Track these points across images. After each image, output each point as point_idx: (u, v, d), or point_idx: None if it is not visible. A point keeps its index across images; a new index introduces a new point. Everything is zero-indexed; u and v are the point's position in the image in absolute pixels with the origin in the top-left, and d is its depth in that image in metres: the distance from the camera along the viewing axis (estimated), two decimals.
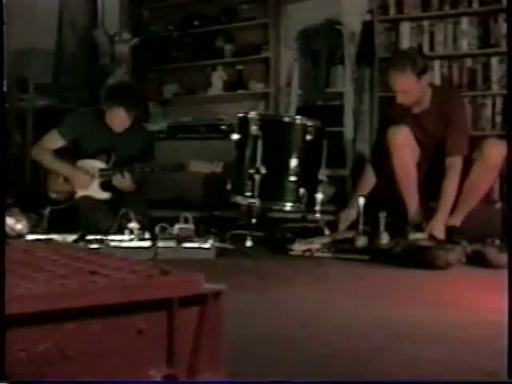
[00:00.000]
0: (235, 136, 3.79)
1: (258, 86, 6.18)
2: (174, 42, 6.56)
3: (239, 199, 3.74)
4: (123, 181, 4.02)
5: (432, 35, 5.27)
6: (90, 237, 3.34)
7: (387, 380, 1.35)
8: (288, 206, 3.73)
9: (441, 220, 3.65)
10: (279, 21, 6.11)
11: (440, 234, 3.58)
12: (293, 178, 3.68)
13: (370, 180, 4.05)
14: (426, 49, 5.19)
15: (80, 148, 4.14)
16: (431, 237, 3.51)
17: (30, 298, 0.91)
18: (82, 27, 6.34)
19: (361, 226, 3.69)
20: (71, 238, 3.32)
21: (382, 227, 3.61)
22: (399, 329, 1.84)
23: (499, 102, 5.05)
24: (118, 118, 4.08)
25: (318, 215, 3.79)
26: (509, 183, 3.70)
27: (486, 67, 5.11)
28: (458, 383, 1.34)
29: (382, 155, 3.90)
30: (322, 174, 3.80)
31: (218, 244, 3.47)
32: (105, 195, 4.08)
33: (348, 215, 3.91)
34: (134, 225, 3.42)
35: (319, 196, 3.77)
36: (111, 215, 3.73)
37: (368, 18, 5.51)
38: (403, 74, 3.73)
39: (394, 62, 3.89)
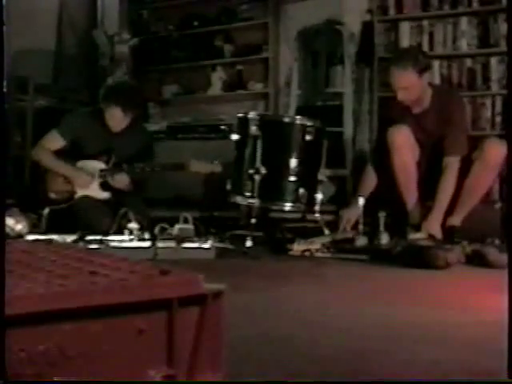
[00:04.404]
0: (235, 136, 3.79)
1: (257, 86, 6.18)
2: (174, 42, 6.57)
3: (239, 199, 3.74)
4: (121, 181, 4.03)
5: (431, 35, 5.27)
6: (89, 237, 3.34)
7: (387, 380, 1.35)
8: (288, 206, 3.73)
9: (436, 219, 3.65)
10: (279, 21, 6.11)
11: (436, 232, 3.58)
12: (292, 178, 3.68)
13: (371, 180, 4.05)
14: (425, 49, 5.18)
15: (80, 148, 4.15)
16: (431, 237, 3.51)
17: (29, 298, 0.91)
18: (82, 27, 6.35)
19: (361, 226, 3.69)
20: (71, 238, 3.32)
21: (381, 227, 3.61)
22: (399, 329, 1.84)
23: (499, 101, 5.06)
24: (115, 118, 4.09)
25: (317, 215, 3.79)
26: (508, 183, 3.70)
27: (486, 67, 5.11)
28: (458, 383, 1.34)
29: (382, 155, 3.90)
30: (322, 174, 3.80)
31: (217, 244, 3.47)
32: (104, 195, 4.08)
33: (350, 214, 3.91)
34: (133, 225, 3.42)
35: (319, 196, 3.77)
36: (111, 215, 3.74)
37: (368, 17, 5.51)
38: (404, 70, 3.74)
39: (396, 59, 3.90)
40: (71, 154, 4.14)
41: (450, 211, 3.72)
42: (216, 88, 6.35)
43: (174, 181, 4.82)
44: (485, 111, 5.10)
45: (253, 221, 3.65)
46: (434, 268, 3.03)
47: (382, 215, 3.63)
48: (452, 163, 3.73)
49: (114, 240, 3.35)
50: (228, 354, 1.11)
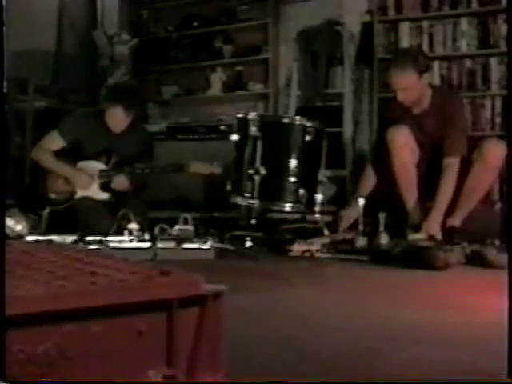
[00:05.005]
0: (234, 137, 3.79)
1: (257, 87, 6.19)
2: (174, 43, 6.57)
3: (239, 200, 3.74)
4: (120, 183, 4.03)
5: (431, 36, 5.27)
6: (89, 238, 3.34)
7: (387, 380, 1.35)
8: (287, 207, 3.72)
9: (435, 219, 3.65)
10: (278, 21, 6.11)
11: (436, 233, 3.58)
12: (292, 179, 3.68)
13: (371, 181, 4.05)
14: (425, 49, 5.18)
15: (80, 149, 4.15)
16: (430, 237, 3.51)
17: (29, 298, 0.91)
18: (82, 28, 6.35)
19: (360, 227, 3.69)
20: (70, 238, 3.32)
21: (381, 228, 3.61)
22: (399, 329, 1.83)
23: (498, 102, 5.06)
24: (117, 118, 4.08)
25: (317, 216, 3.79)
26: (509, 184, 3.70)
27: (486, 68, 5.11)
28: (459, 383, 1.34)
29: (381, 155, 3.90)
30: (322, 175, 3.80)
31: (217, 245, 3.47)
32: (104, 196, 4.08)
33: (349, 214, 3.91)
34: (133, 226, 3.42)
35: (319, 197, 3.76)
36: (111, 216, 3.74)
37: (367, 18, 5.52)
38: (404, 71, 3.73)
39: (396, 60, 3.90)
40: (71, 154, 4.14)
41: (449, 212, 3.72)
42: (216, 89, 6.36)
43: (174, 181, 4.82)
44: (484, 112, 5.11)
45: (253, 221, 3.65)
46: (433, 269, 3.03)
47: (381, 216, 3.63)
48: (452, 164, 3.73)
49: (114, 241, 3.35)
50: (228, 355, 1.11)
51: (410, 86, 3.75)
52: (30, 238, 3.28)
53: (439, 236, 3.58)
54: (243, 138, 3.72)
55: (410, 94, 3.78)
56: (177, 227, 3.45)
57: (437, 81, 5.14)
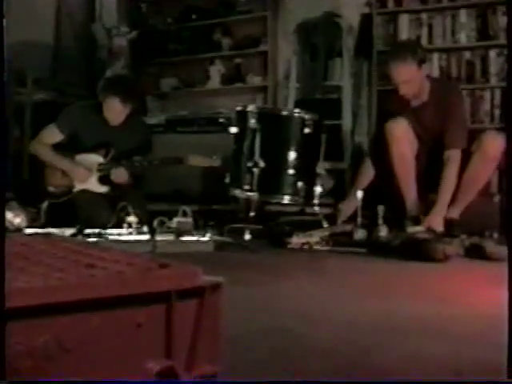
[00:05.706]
0: (233, 129, 3.79)
1: (256, 80, 6.18)
2: (172, 36, 6.55)
3: (238, 193, 3.74)
4: (119, 175, 4.03)
5: (430, 28, 5.27)
6: (88, 230, 3.34)
7: (387, 380, 1.34)
8: (286, 200, 3.73)
9: (439, 213, 3.65)
10: (277, 14, 6.10)
11: (439, 227, 3.58)
12: (291, 172, 3.68)
13: (369, 173, 4.05)
14: (424, 41, 5.18)
15: (78, 142, 4.14)
16: (429, 229, 3.51)
17: (28, 291, 0.91)
18: (80, 21, 6.34)
19: (359, 219, 3.69)
20: (69, 231, 3.32)
21: (380, 220, 3.61)
22: (398, 322, 1.84)
23: (498, 94, 5.06)
24: (114, 109, 4.08)
25: (316, 208, 3.79)
26: (508, 176, 3.70)
27: (485, 60, 5.11)
28: (458, 383, 1.34)
29: (380, 148, 3.90)
30: (320, 168, 3.80)
31: (216, 237, 3.48)
32: (103, 189, 4.08)
33: (347, 207, 3.91)
34: (132, 218, 3.42)
35: (317, 189, 3.77)
36: (110, 209, 3.74)
37: (366, 10, 5.51)
38: (404, 63, 3.72)
39: (394, 53, 3.89)
40: (70, 147, 4.14)
41: (448, 204, 3.72)
42: (215, 81, 6.35)
43: (173, 174, 4.82)
44: (483, 104, 5.10)
45: (251, 214, 3.66)
46: (432, 261, 3.03)
47: (380, 208, 3.63)
48: (453, 156, 3.72)
49: (113, 233, 3.35)
50: (227, 348, 1.11)
51: (411, 78, 3.74)
52: (28, 231, 3.28)
53: (441, 229, 3.57)
54: (242, 130, 3.73)
55: (411, 87, 3.78)
56: (176, 220, 3.46)
57: (436, 73, 5.13)
